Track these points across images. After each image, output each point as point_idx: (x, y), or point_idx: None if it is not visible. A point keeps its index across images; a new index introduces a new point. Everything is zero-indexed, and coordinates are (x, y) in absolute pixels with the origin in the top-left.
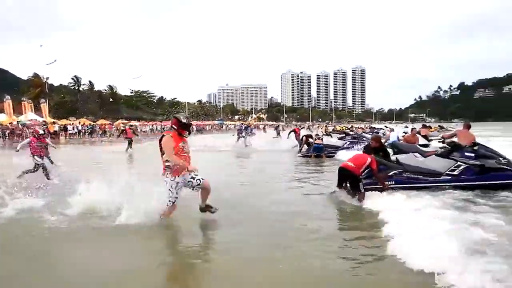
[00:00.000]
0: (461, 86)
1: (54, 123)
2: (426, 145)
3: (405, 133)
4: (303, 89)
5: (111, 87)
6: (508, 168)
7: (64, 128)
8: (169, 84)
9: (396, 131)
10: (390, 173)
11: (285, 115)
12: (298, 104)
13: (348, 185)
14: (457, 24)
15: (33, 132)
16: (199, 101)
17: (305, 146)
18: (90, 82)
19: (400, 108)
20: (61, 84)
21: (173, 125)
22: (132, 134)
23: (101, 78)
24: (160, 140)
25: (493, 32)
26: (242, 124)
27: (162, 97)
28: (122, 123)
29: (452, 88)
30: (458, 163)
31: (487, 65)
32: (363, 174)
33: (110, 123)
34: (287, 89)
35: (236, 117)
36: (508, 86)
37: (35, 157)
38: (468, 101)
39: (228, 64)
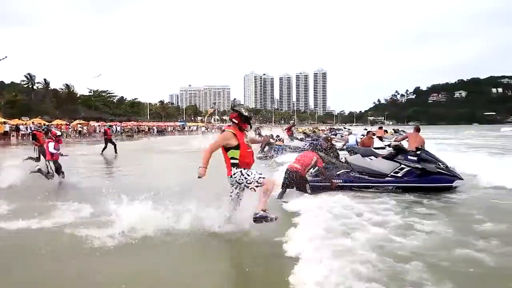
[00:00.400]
0: (417, 90)
1: (4, 123)
2: (382, 148)
3: (363, 135)
4: (266, 91)
5: (68, 86)
6: (446, 172)
7: (16, 128)
8: (130, 84)
9: (355, 134)
10: (338, 172)
11: None
12: (261, 105)
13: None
14: (414, 30)
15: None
16: (161, 102)
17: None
18: (45, 80)
19: (360, 111)
20: (12, 82)
21: (234, 119)
22: (111, 134)
23: (57, 77)
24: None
25: (446, 39)
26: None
27: (122, 97)
28: (79, 123)
29: (408, 92)
30: (402, 165)
31: (441, 70)
32: (311, 173)
33: (66, 124)
34: (250, 90)
35: (199, 118)
36: (459, 91)
37: (51, 163)
38: (423, 105)
39: (190, 65)
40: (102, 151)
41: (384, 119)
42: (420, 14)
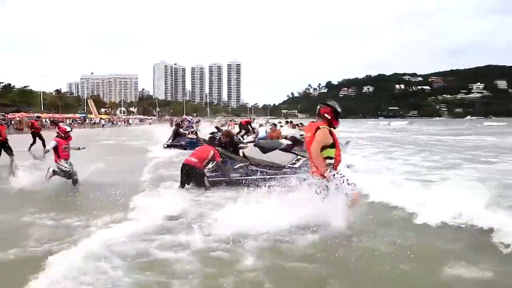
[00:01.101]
0: (329, 84)
1: None
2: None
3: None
4: (177, 82)
5: None
6: None
7: None
8: (19, 70)
9: (264, 127)
10: (236, 166)
11: (158, 109)
12: (172, 97)
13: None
14: (327, 26)
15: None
16: (58, 91)
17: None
18: None
19: (274, 104)
20: None
21: (326, 114)
22: (40, 126)
23: None
24: (315, 132)
25: (357, 37)
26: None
27: (9, 84)
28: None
29: (320, 86)
30: (298, 156)
31: (351, 66)
32: (209, 168)
33: None
34: (160, 81)
35: (103, 110)
36: (367, 87)
37: (62, 162)
38: (334, 98)
39: (93, 51)
40: (30, 147)
41: (297, 112)
42: (333, 11)
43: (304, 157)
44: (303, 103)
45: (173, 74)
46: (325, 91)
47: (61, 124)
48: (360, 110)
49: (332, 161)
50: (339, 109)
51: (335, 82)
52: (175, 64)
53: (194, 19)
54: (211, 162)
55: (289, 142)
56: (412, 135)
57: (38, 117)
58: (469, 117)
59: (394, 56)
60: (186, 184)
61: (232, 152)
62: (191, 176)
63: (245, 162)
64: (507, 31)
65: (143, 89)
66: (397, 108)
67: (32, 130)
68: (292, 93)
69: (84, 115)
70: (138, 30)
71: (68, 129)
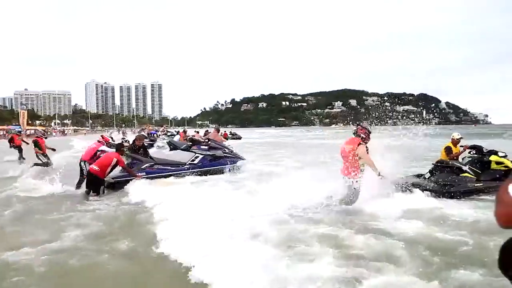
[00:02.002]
0: (233, 101)
1: None
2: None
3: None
4: (107, 98)
5: None
6: (231, 155)
7: None
8: None
9: (177, 135)
10: (143, 166)
11: (90, 121)
12: (103, 111)
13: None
14: (231, 53)
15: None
16: None
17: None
18: None
19: (190, 116)
20: None
21: (363, 134)
22: (21, 141)
23: None
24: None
25: (255, 63)
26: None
27: None
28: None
29: (226, 102)
30: (197, 154)
31: (250, 87)
32: (121, 171)
33: None
34: (91, 97)
35: (37, 122)
36: (262, 103)
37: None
38: (237, 112)
39: (26, 69)
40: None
41: (209, 123)
42: (237, 40)
43: (202, 154)
44: (213, 116)
45: (103, 91)
46: (230, 106)
47: (105, 134)
48: (257, 121)
49: (363, 168)
50: (371, 130)
51: (237, 99)
52: (105, 83)
53: (122, 42)
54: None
55: (189, 143)
56: (303, 139)
57: (19, 132)
58: (333, 125)
59: (281, 79)
60: (93, 190)
61: (142, 154)
62: (92, 183)
63: (151, 162)
64: (358, 64)
65: (76, 104)
66: (284, 119)
67: (13, 144)
68: (204, 108)
69: (19, 127)
70: (70, 50)
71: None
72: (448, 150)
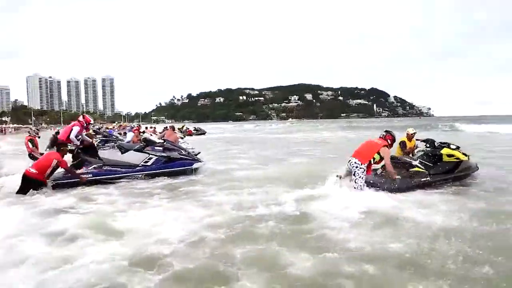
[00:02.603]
0: (189, 96)
1: None
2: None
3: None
4: (52, 93)
5: None
6: (187, 157)
7: None
8: None
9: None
10: (89, 167)
11: (34, 118)
12: (48, 107)
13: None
14: (187, 48)
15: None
16: None
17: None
18: None
19: (145, 112)
20: None
21: (389, 140)
22: None
23: None
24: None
25: (211, 58)
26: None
27: None
28: None
29: (183, 97)
30: (150, 155)
31: (207, 81)
32: (63, 173)
33: None
34: (34, 92)
35: None
36: (219, 98)
37: None
38: (194, 107)
39: None
40: None
41: (165, 118)
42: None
43: (156, 156)
44: (169, 111)
45: (48, 85)
46: (187, 101)
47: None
48: (214, 116)
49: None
50: (394, 136)
51: (194, 94)
52: (50, 77)
53: (67, 35)
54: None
55: (142, 143)
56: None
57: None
58: (290, 119)
59: (238, 74)
60: (26, 192)
61: (91, 155)
62: (30, 186)
63: (99, 163)
64: (311, 59)
65: (16, 99)
66: (241, 113)
67: None
68: (160, 103)
69: None
70: (8, 42)
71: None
72: (402, 144)
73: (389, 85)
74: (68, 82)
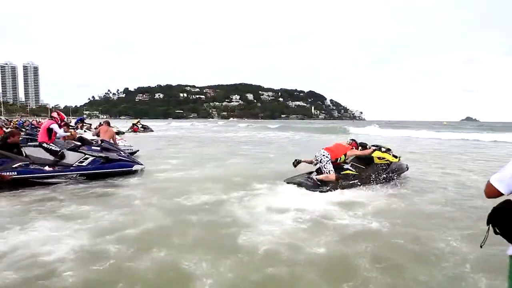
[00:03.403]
0: (126, 90)
1: None
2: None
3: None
4: None
5: None
6: (126, 159)
7: None
8: None
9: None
10: (15, 165)
11: None
12: None
13: None
14: (122, 39)
15: None
16: None
17: None
18: None
19: (76, 106)
20: None
21: (353, 146)
22: None
23: None
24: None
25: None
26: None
27: None
28: None
29: (119, 91)
30: (87, 155)
31: (145, 77)
32: None
33: None
34: None
35: None
36: (158, 94)
37: None
38: (131, 102)
39: None
40: None
41: (99, 113)
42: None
43: (92, 156)
44: (104, 106)
45: None
46: (123, 96)
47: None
48: (153, 113)
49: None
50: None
51: (131, 88)
52: None
53: None
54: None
55: (78, 143)
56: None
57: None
58: (231, 118)
59: (178, 70)
60: None
61: (16, 152)
62: None
63: (26, 161)
64: (253, 60)
65: None
66: (182, 111)
67: None
68: (93, 96)
69: None
70: None
71: None
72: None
73: (326, 89)
74: None
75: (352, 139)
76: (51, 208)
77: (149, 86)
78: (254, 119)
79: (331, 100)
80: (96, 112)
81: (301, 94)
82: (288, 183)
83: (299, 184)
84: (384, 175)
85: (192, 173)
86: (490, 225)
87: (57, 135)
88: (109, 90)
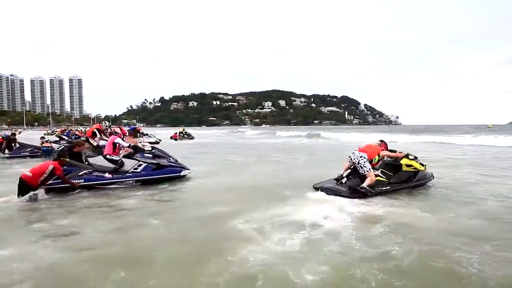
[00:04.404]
0: (162, 99)
1: None
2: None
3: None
4: (14, 92)
5: None
6: (175, 165)
7: None
8: None
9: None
10: (80, 173)
11: None
12: (9, 107)
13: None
14: (160, 51)
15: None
16: None
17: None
18: None
19: (115, 115)
20: None
21: (383, 147)
22: None
23: None
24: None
25: (185, 62)
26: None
27: None
28: None
29: (155, 100)
30: (140, 162)
31: (180, 85)
32: (50, 180)
33: None
34: None
35: None
36: (192, 102)
37: None
38: (167, 111)
39: None
40: None
41: (136, 122)
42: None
43: (145, 162)
44: (141, 114)
45: (9, 84)
46: (159, 105)
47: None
48: (187, 120)
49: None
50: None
51: (167, 97)
52: (11, 75)
53: (31, 32)
54: (52, 176)
55: (131, 150)
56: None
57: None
58: (264, 125)
59: (211, 78)
60: (23, 195)
61: (78, 160)
62: (25, 190)
63: (89, 169)
64: (283, 66)
65: None
66: (215, 118)
67: None
68: (131, 106)
69: None
70: None
71: None
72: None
73: (360, 93)
74: (32, 81)
75: (381, 140)
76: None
77: (183, 95)
78: (287, 125)
79: (365, 105)
80: (134, 120)
81: (334, 99)
82: (316, 188)
83: (330, 191)
84: (412, 183)
85: (221, 180)
86: None
87: (120, 146)
88: (145, 100)
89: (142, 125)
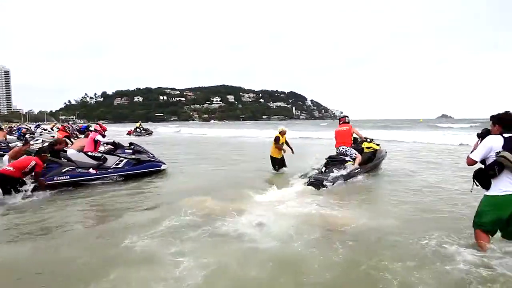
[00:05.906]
0: (104, 94)
1: None
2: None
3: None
4: None
5: None
6: (154, 160)
7: None
8: None
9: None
10: (63, 170)
11: None
12: None
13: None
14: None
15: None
16: None
17: None
18: None
19: (51, 111)
20: None
21: (347, 120)
22: None
23: None
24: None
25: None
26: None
27: None
28: None
29: (97, 95)
30: (121, 158)
31: (123, 80)
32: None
33: None
34: None
35: None
36: (137, 97)
37: None
38: (109, 106)
39: None
40: None
41: (76, 118)
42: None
43: (126, 158)
44: (81, 110)
45: None
46: (101, 100)
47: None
48: (133, 116)
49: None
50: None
51: (110, 92)
52: None
53: None
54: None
55: (111, 147)
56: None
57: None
58: (212, 120)
59: (158, 73)
60: (9, 193)
61: (58, 157)
62: (7, 184)
63: (72, 166)
64: (233, 62)
65: None
66: (162, 114)
67: None
68: (69, 101)
69: None
70: None
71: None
72: (277, 139)
73: (306, 89)
74: None
75: (344, 121)
76: None
77: (128, 90)
78: (236, 121)
79: (311, 101)
80: (72, 116)
81: (282, 95)
82: (305, 181)
83: (328, 181)
84: (373, 162)
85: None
86: (474, 180)
87: (101, 142)
88: (86, 94)
89: (82, 121)
